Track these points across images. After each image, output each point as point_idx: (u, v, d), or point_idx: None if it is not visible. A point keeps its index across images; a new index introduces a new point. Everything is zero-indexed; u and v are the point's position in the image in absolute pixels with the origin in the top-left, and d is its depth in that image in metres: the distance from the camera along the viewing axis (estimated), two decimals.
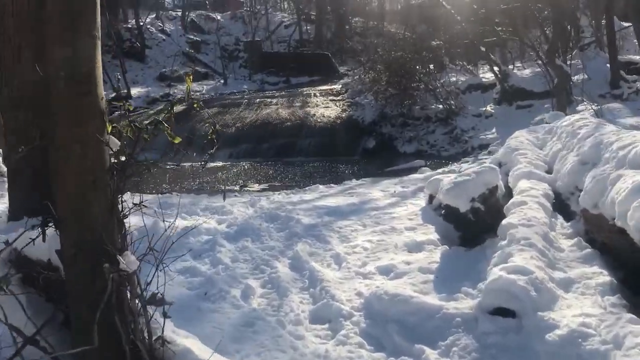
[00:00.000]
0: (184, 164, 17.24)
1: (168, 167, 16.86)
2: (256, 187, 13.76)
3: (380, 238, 6.00)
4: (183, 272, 5.24)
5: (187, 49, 32.62)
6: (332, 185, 11.36)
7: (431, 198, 6.62)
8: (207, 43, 34.03)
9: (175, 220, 3.46)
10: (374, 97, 18.58)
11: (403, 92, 17.74)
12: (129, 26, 32.33)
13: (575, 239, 4.86)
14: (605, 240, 4.48)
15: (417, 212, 6.78)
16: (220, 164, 16.79)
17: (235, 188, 13.59)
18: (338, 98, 20.88)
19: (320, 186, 11.11)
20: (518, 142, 7.33)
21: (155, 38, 32.99)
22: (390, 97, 17.95)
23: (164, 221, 3.37)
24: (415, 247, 5.57)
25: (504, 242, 4.50)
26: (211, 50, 33.15)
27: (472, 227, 5.58)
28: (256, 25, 34.57)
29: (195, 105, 2.60)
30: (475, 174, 5.54)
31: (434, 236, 5.87)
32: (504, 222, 4.87)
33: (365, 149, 17.26)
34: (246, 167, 16.34)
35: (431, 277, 4.76)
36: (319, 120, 18.74)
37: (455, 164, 13.73)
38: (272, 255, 5.73)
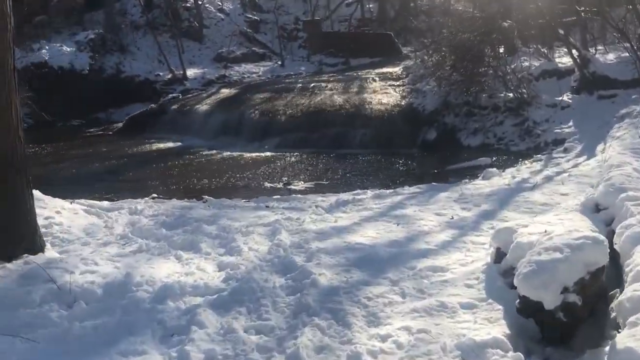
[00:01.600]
0: (230, 152, 16.17)
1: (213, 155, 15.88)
2: (301, 185, 12.59)
3: (423, 326, 4.08)
4: None
5: (245, 28, 31.52)
6: (382, 191, 9.94)
7: (499, 254, 4.73)
8: (266, 22, 32.87)
9: None
10: (436, 83, 16.60)
11: (469, 78, 15.68)
12: (188, 5, 31.37)
13: None
14: None
15: (479, 274, 4.84)
16: (267, 154, 15.75)
17: (279, 186, 12.50)
18: (398, 83, 19.13)
19: (368, 192, 9.78)
20: (624, 177, 5.03)
21: (214, 17, 32.09)
22: (455, 84, 15.92)
23: None
24: (472, 355, 3.70)
25: None
26: (270, 29, 32.02)
27: (562, 328, 3.64)
28: (316, 4, 32.90)
29: None
30: (569, 249, 3.49)
31: (502, 329, 3.93)
32: (620, 344, 2.93)
33: (425, 141, 15.46)
34: (294, 159, 15.08)
35: None
36: (375, 108, 17.07)
37: (527, 162, 12.07)
38: (265, 348, 3.99)
